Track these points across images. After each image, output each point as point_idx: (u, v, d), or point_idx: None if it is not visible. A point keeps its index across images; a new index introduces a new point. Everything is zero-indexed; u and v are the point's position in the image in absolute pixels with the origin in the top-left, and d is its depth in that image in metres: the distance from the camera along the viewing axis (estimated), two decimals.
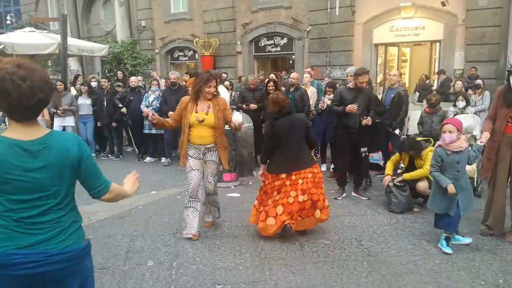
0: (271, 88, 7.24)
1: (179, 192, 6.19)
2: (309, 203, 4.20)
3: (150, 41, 17.87)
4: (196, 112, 4.24)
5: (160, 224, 4.88)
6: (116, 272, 3.66)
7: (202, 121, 4.22)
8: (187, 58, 17.83)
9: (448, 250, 3.92)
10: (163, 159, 8.23)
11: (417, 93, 10.87)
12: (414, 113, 7.00)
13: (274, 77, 7.89)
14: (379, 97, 6.97)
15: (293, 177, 4.18)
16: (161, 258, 3.94)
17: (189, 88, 7.25)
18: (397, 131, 6.36)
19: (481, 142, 4.02)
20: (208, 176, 4.44)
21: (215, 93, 4.30)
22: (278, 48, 15.30)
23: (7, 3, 25.65)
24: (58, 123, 8.29)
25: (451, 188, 3.84)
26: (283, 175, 4.21)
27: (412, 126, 7.16)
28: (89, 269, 1.98)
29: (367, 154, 5.79)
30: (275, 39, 15.20)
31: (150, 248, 4.18)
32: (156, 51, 17.89)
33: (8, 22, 20.15)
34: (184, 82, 9.26)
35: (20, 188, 1.72)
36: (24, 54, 10.72)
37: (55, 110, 8.18)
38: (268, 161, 4.39)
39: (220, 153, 4.37)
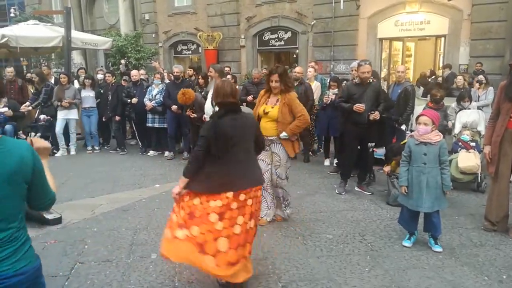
0: None
1: None
2: (252, 233, 3.16)
3: (153, 35, 17.84)
4: (266, 104, 4.44)
5: (164, 217, 4.86)
6: (120, 265, 3.67)
7: (267, 113, 4.36)
8: (190, 52, 17.80)
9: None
10: (167, 153, 8.23)
11: (422, 88, 10.86)
12: (419, 108, 6.97)
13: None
14: None
15: (241, 197, 3.01)
16: None
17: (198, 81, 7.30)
18: (403, 127, 6.34)
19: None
20: (272, 168, 4.48)
21: (277, 86, 4.35)
22: (282, 42, 15.24)
23: None
24: (61, 116, 8.30)
25: (402, 190, 4.00)
26: (229, 194, 2.97)
27: None
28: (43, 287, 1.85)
29: (372, 149, 5.77)
30: (279, 33, 15.14)
31: (153, 241, 4.19)
32: (160, 44, 17.86)
33: (11, 15, 20.15)
34: (189, 76, 9.25)
35: None
36: (28, 47, 10.77)
37: (59, 103, 8.19)
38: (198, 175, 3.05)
39: (284, 145, 4.40)
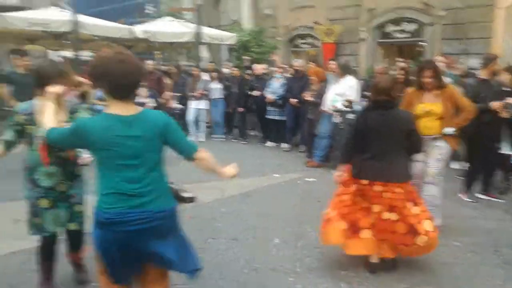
0: (400, 77, 6.93)
1: (299, 177, 6.41)
2: (402, 226, 3.33)
3: (274, 29, 18.32)
4: (422, 103, 4.19)
5: (283, 205, 5.13)
6: (246, 245, 4.00)
7: (428, 112, 4.13)
8: (309, 46, 17.89)
9: None
10: (284, 145, 8.51)
11: None
12: None
13: (405, 65, 7.40)
14: None
15: (376, 188, 3.36)
16: (285, 237, 4.16)
17: (313, 77, 7.40)
18: None
19: None
20: (429, 161, 4.23)
21: (431, 82, 4.13)
22: (406, 35, 14.45)
23: None
24: (193, 105, 9.11)
25: None
26: (365, 181, 3.42)
27: None
28: (178, 223, 2.40)
29: (510, 153, 5.23)
30: (403, 24, 14.38)
31: (274, 226, 4.45)
32: (279, 39, 18.28)
33: (147, 11, 22.48)
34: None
35: (122, 154, 2.11)
36: (164, 42, 11.99)
37: (191, 94, 8.99)
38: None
39: (448, 140, 4.18)
